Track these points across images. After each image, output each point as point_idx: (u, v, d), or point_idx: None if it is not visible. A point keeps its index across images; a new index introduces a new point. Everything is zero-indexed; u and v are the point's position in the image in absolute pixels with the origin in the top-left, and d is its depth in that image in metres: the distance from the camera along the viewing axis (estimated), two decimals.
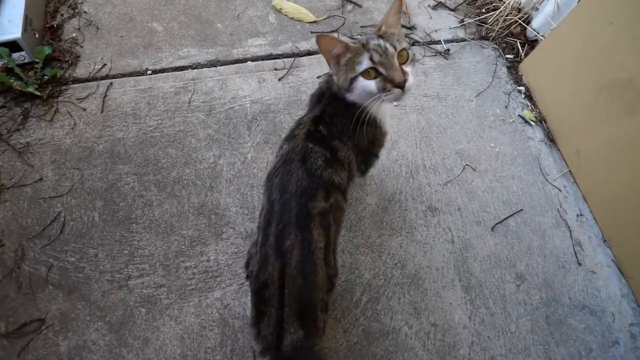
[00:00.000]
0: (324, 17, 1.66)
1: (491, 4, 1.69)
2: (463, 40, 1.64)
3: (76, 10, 1.59)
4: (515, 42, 1.59)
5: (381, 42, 0.80)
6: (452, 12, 1.72)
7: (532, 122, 1.46)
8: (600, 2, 1.17)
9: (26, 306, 1.06)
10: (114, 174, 1.27)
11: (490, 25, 1.63)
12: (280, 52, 1.57)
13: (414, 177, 1.34)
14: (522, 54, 1.56)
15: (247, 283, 0.95)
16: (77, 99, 1.40)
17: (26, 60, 1.40)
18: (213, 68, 1.52)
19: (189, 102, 1.43)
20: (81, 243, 1.16)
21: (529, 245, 1.25)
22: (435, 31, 1.66)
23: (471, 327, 1.11)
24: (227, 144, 1.36)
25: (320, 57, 1.56)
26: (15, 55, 1.38)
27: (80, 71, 1.46)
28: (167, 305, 1.09)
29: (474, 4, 1.74)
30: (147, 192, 1.25)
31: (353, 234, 1.23)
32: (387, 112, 0.99)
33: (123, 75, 1.47)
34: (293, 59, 1.54)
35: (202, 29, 1.61)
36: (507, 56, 1.60)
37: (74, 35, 1.54)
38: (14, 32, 1.36)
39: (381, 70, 0.80)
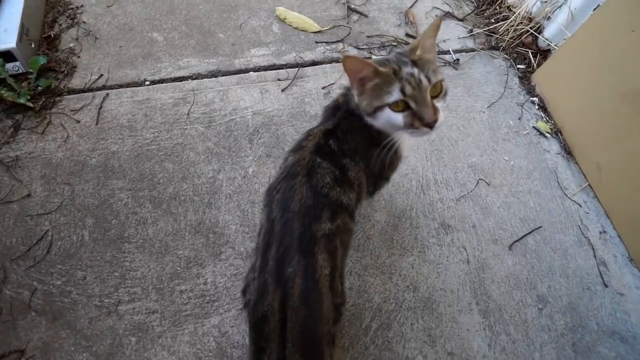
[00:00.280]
0: (329, 27, 1.62)
1: (500, 14, 1.65)
2: (472, 50, 1.59)
3: (75, 20, 1.55)
4: (526, 52, 1.54)
5: (415, 71, 0.72)
6: (460, 22, 1.68)
7: (547, 134, 1.39)
8: (620, 9, 1.11)
9: (5, 335, 0.97)
10: (106, 190, 1.20)
11: (500, 35, 1.59)
12: (284, 62, 1.52)
13: (425, 192, 1.26)
14: (535, 64, 1.50)
15: (245, 313, 0.86)
16: (71, 110, 1.34)
17: (20, 71, 1.35)
18: (214, 78, 1.46)
19: (188, 114, 1.37)
20: (69, 264, 1.08)
21: (550, 265, 1.16)
22: (444, 41, 1.61)
23: (491, 356, 1.02)
24: (227, 158, 1.29)
25: (325, 68, 1.51)
26: (9, 65, 1.33)
27: (76, 82, 1.41)
28: (160, 333, 1.00)
29: (483, 14, 1.70)
30: (142, 209, 1.18)
31: (361, 254, 1.14)
32: (411, 141, 0.91)
33: (120, 86, 1.41)
34: (297, 69, 1.49)
35: (203, 39, 1.56)
36: (519, 66, 1.54)
37: (72, 45, 1.49)
38: (9, 41, 1.31)
39: (412, 104, 0.72)
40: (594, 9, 1.30)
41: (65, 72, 1.40)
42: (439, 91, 0.75)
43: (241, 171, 1.26)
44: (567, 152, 1.36)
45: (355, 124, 0.82)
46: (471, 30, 1.64)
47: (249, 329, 0.74)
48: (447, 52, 1.58)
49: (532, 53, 1.53)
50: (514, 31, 1.56)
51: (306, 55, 1.54)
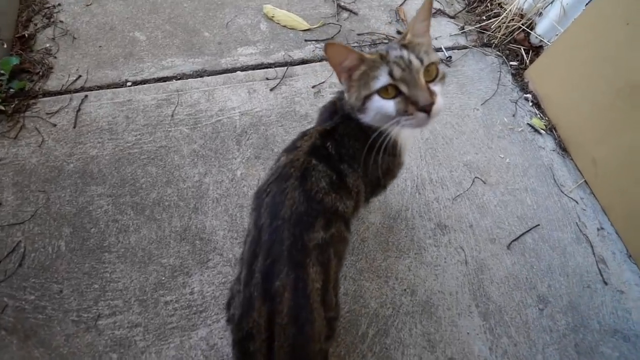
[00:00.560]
0: (319, 24, 1.58)
1: (491, 10, 1.63)
2: (464, 47, 1.56)
3: (51, 20, 1.48)
4: (519, 49, 1.52)
5: (404, 53, 0.66)
6: (451, 20, 1.66)
7: (542, 131, 1.37)
8: (613, 3, 1.10)
9: None
10: (85, 197, 1.13)
11: (492, 32, 1.57)
12: (272, 61, 1.47)
13: (420, 192, 1.22)
14: (527, 61, 1.49)
15: (229, 328, 0.79)
16: (47, 113, 1.27)
17: None
18: (199, 78, 1.40)
19: (172, 115, 1.31)
20: (43, 278, 1.00)
21: (549, 264, 1.13)
22: (436, 39, 1.59)
23: None
24: (214, 160, 1.23)
25: (315, 66, 1.47)
26: None
27: (52, 83, 1.33)
28: (144, 348, 0.93)
29: (474, 11, 1.68)
30: (123, 216, 1.11)
31: (356, 258, 1.10)
32: (410, 138, 0.84)
33: (100, 88, 1.35)
34: (286, 68, 1.44)
35: (188, 38, 1.51)
36: (512, 63, 1.52)
37: (48, 45, 1.42)
38: None
39: (402, 88, 0.66)
40: (586, 4, 1.29)
41: (41, 73, 1.33)
42: (434, 74, 0.68)
43: (229, 174, 1.21)
44: (562, 148, 1.34)
45: (353, 128, 0.76)
46: (463, 28, 1.62)
47: (232, 347, 0.68)
48: (439, 50, 1.56)
49: (524, 49, 1.51)
50: (505, 28, 1.54)
51: (295, 54, 1.50)
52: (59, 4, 1.54)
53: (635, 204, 1.13)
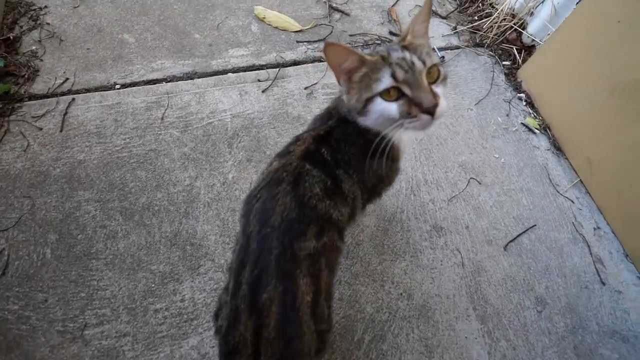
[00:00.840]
0: (310, 25, 1.56)
1: (483, 11, 1.63)
2: (457, 47, 1.56)
3: (38, 22, 1.45)
4: (511, 49, 1.52)
5: (407, 54, 0.64)
6: (443, 20, 1.65)
7: (536, 130, 1.36)
8: (604, 1, 1.09)
9: None
10: (72, 202, 1.10)
11: (484, 32, 1.56)
12: (264, 63, 1.45)
13: (415, 193, 1.20)
14: (520, 60, 1.48)
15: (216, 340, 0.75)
16: (33, 117, 1.24)
17: None
18: (190, 81, 1.38)
19: (162, 118, 1.28)
20: (27, 286, 0.97)
21: (547, 265, 1.12)
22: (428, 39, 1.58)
23: None
24: (205, 164, 1.20)
25: (307, 67, 1.45)
26: None
27: (38, 86, 1.30)
28: (132, 358, 0.90)
29: (466, 12, 1.68)
30: (111, 222, 1.08)
31: (351, 262, 1.07)
32: (408, 142, 0.82)
33: (87, 90, 1.32)
34: (278, 69, 1.42)
35: (178, 39, 1.48)
36: (504, 63, 1.52)
37: (34, 48, 1.39)
38: None
39: (405, 90, 0.64)
40: (577, 3, 1.29)
41: (26, 76, 1.29)
42: (435, 76, 0.67)
43: (220, 177, 1.18)
44: (557, 147, 1.33)
45: (349, 132, 0.74)
46: (455, 28, 1.62)
47: (220, 359, 0.65)
48: (432, 50, 1.55)
49: (516, 49, 1.51)
50: (497, 28, 1.54)
51: (287, 55, 1.48)
52: (46, 6, 1.51)
53: (631, 203, 1.13)
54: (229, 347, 0.60)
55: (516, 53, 1.50)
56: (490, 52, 1.55)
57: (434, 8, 1.69)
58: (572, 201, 1.24)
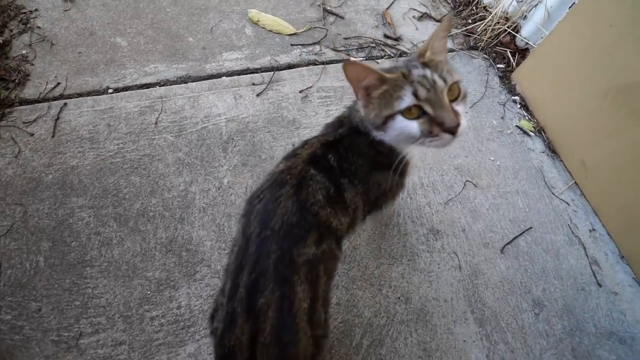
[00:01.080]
0: (305, 29, 1.56)
1: (477, 14, 1.63)
2: (452, 50, 1.56)
3: (28, 25, 1.43)
4: (505, 52, 1.53)
5: (428, 72, 0.64)
6: (437, 23, 1.66)
7: (531, 133, 1.37)
8: (597, 5, 1.10)
9: None
10: (65, 209, 1.08)
11: (479, 35, 1.57)
12: (259, 66, 1.45)
13: (411, 197, 1.20)
14: (514, 63, 1.49)
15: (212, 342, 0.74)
16: (24, 122, 1.21)
17: None
18: (183, 85, 1.37)
19: (156, 123, 1.27)
20: (20, 296, 0.95)
21: (543, 267, 1.13)
22: (422, 42, 1.58)
23: None
24: (200, 169, 1.19)
25: (302, 71, 1.45)
26: None
27: (29, 91, 1.28)
28: None
29: (460, 15, 1.68)
30: (105, 229, 1.07)
31: (348, 266, 1.07)
32: (419, 159, 0.84)
33: (80, 95, 1.30)
34: (272, 72, 1.42)
35: (171, 43, 1.47)
36: (499, 66, 1.53)
37: (24, 52, 1.37)
38: None
39: (427, 109, 0.64)
40: (570, 7, 1.30)
41: (17, 80, 1.27)
42: (456, 94, 0.66)
43: (215, 182, 1.17)
44: (552, 150, 1.34)
45: (359, 143, 0.73)
46: (449, 31, 1.62)
47: None
48: (452, 67, 1.55)
49: (510, 52, 1.52)
50: (491, 31, 1.54)
51: (282, 59, 1.47)
52: (36, 10, 1.49)
53: (625, 204, 1.14)
54: (224, 350, 0.59)
55: (510, 56, 1.51)
56: (485, 55, 1.56)
57: (427, 11, 1.70)
58: (568, 203, 1.25)
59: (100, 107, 1.28)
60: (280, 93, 1.38)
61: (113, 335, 0.93)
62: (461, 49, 1.58)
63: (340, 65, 1.46)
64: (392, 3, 1.70)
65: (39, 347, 0.90)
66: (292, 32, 1.54)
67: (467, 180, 1.25)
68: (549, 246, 1.16)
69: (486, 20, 1.56)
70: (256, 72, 1.43)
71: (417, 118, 0.65)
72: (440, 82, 0.64)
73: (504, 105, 1.44)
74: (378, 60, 1.51)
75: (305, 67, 1.46)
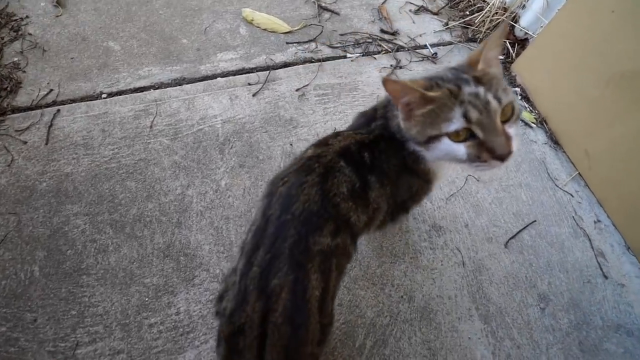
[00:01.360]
0: (300, 26, 1.54)
1: (474, 5, 1.61)
2: (450, 43, 1.54)
3: (19, 32, 1.41)
4: (504, 43, 1.50)
5: (481, 90, 0.58)
6: (435, 16, 1.63)
7: (532, 124, 1.35)
8: None
9: None
10: (59, 217, 1.07)
11: (477, 27, 1.55)
12: (254, 66, 1.42)
13: None
14: (513, 54, 1.47)
15: (216, 324, 0.72)
16: (16, 130, 1.20)
17: None
18: (178, 87, 1.35)
19: (151, 127, 1.25)
20: (15, 306, 0.94)
21: (548, 261, 1.10)
22: (420, 35, 1.56)
23: None
24: (197, 171, 1.17)
25: (298, 69, 1.43)
26: None
27: (22, 99, 1.27)
28: None
29: (457, 7, 1.66)
30: (101, 235, 1.05)
31: (349, 265, 1.04)
32: (450, 169, 0.80)
33: (73, 101, 1.28)
34: (268, 72, 1.39)
35: (165, 45, 1.45)
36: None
37: (16, 59, 1.35)
38: None
39: (478, 132, 0.58)
40: None
41: (9, 88, 1.26)
42: (509, 114, 0.60)
43: (213, 185, 1.15)
44: (554, 141, 1.32)
45: (394, 147, 0.71)
46: (447, 24, 1.60)
47: (219, 344, 0.64)
48: (424, 47, 1.53)
49: (510, 43, 1.49)
50: (489, 22, 1.52)
51: (277, 57, 1.45)
52: (27, 16, 1.47)
53: (630, 194, 1.11)
54: (233, 328, 0.59)
55: (509, 47, 1.48)
56: None
57: (424, 4, 1.68)
58: (572, 195, 1.22)
59: (94, 112, 1.27)
60: (277, 92, 1.36)
61: (111, 344, 0.91)
62: (459, 42, 1.55)
63: (336, 62, 1.46)
64: None
65: (34, 358, 0.88)
66: (287, 30, 1.52)
67: (468, 175, 1.23)
68: (554, 239, 1.14)
69: (484, 12, 1.54)
70: (252, 72, 1.41)
71: (464, 140, 0.60)
72: (494, 103, 0.57)
73: None
74: (375, 56, 1.49)
75: (301, 65, 1.44)
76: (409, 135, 0.66)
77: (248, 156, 1.21)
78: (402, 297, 1.02)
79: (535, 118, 1.36)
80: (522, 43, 1.48)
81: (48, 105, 1.26)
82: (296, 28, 1.53)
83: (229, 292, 0.65)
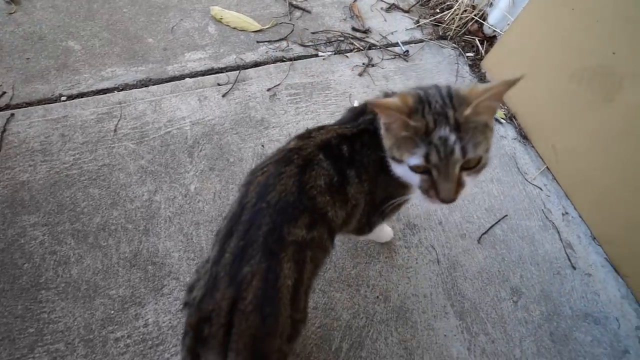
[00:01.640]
0: (270, 24, 1.51)
1: (444, 3, 1.63)
2: (421, 41, 1.55)
3: None
4: (473, 40, 1.52)
5: (452, 138, 0.58)
6: (406, 14, 1.64)
7: (502, 120, 1.37)
8: None
9: None
10: (15, 228, 1.00)
11: (447, 25, 1.56)
12: (223, 66, 1.39)
13: None
14: (482, 51, 1.49)
15: (184, 315, 0.68)
16: None
17: None
18: (144, 88, 1.30)
19: (115, 130, 1.19)
20: None
21: (520, 254, 1.12)
22: (392, 33, 1.56)
23: None
24: (165, 176, 1.13)
25: (269, 68, 1.40)
26: None
27: None
28: None
29: (427, 4, 1.67)
30: (62, 247, 0.99)
31: (324, 268, 1.03)
32: None
33: (29, 104, 1.21)
34: (238, 71, 1.36)
35: (129, 45, 1.39)
36: (468, 54, 1.52)
37: None
38: None
39: (433, 173, 0.60)
40: None
41: None
42: (473, 165, 0.61)
43: (181, 189, 1.11)
44: (523, 136, 1.35)
45: (377, 142, 0.70)
46: (418, 21, 1.61)
47: (184, 336, 0.61)
48: (396, 45, 1.53)
49: (479, 40, 1.51)
50: (459, 20, 1.54)
51: (247, 57, 1.42)
52: None
53: (595, 186, 1.15)
54: (200, 315, 0.57)
55: (479, 44, 1.51)
56: (454, 44, 1.55)
57: (395, 2, 1.68)
58: (541, 188, 1.25)
59: (53, 116, 1.20)
60: (247, 92, 1.33)
61: None
62: (430, 39, 1.56)
63: (308, 60, 1.44)
64: None
65: None
66: (258, 29, 1.49)
67: None
68: (525, 233, 1.16)
69: (453, 9, 1.55)
70: (221, 72, 1.37)
71: (421, 172, 0.62)
72: (458, 154, 0.58)
73: None
74: (347, 54, 1.48)
75: (272, 65, 1.41)
76: (383, 143, 0.67)
77: (218, 159, 1.18)
78: (377, 297, 1.01)
79: (505, 114, 1.38)
80: (490, 40, 1.51)
81: (1, 109, 1.18)
82: (267, 26, 1.50)
83: (200, 281, 0.63)
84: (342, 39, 1.51)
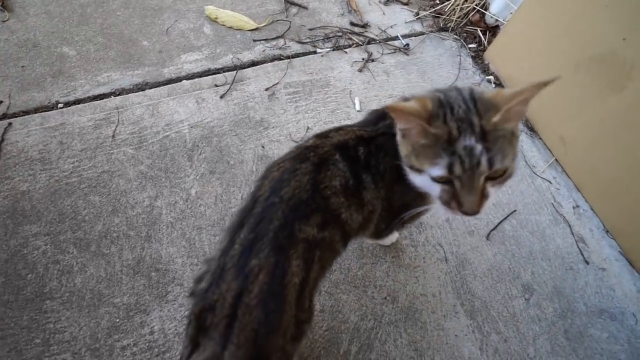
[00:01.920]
0: (267, 22, 1.48)
1: None
2: (421, 33, 1.51)
3: None
4: (475, 30, 1.48)
5: (478, 148, 0.54)
6: (405, 7, 1.60)
7: None
8: None
9: None
10: (17, 239, 0.99)
11: (448, 16, 1.52)
12: (220, 66, 1.36)
13: None
14: (485, 42, 1.45)
15: (189, 303, 0.66)
16: None
17: None
18: (141, 92, 1.28)
19: (114, 136, 1.18)
20: None
21: (531, 250, 1.10)
22: (391, 27, 1.52)
23: None
24: (165, 181, 1.11)
25: (267, 67, 1.37)
26: None
27: None
28: None
29: None
30: (65, 256, 0.98)
31: (330, 270, 1.01)
32: None
33: (26, 113, 1.20)
34: (235, 72, 1.33)
35: (124, 49, 1.37)
36: (470, 46, 1.48)
37: None
38: None
39: (456, 184, 0.57)
40: None
41: None
42: (498, 175, 0.57)
43: (182, 194, 1.10)
44: (530, 128, 1.31)
45: (394, 149, 0.67)
46: (417, 14, 1.57)
47: (187, 325, 0.60)
48: (396, 38, 1.50)
49: (481, 31, 1.47)
50: (460, 10, 1.50)
51: (244, 56, 1.39)
52: None
53: (606, 178, 1.11)
54: (204, 304, 0.56)
55: (481, 35, 1.47)
56: (455, 36, 1.51)
57: None
58: (550, 181, 1.22)
59: (50, 124, 1.18)
60: (245, 93, 1.31)
61: None
62: (431, 32, 1.53)
63: (306, 58, 1.41)
64: None
65: None
66: (254, 27, 1.46)
67: None
68: (535, 228, 1.13)
69: (453, 0, 1.51)
70: (218, 73, 1.35)
71: (442, 183, 0.59)
72: (484, 166, 0.54)
73: (479, 86, 1.40)
74: (346, 50, 1.44)
75: (270, 63, 1.39)
76: (400, 150, 0.64)
77: (218, 162, 1.16)
78: (385, 298, 0.99)
79: None
80: (493, 30, 1.47)
81: None
82: (263, 24, 1.47)
83: (209, 273, 0.62)
84: (340, 34, 1.48)
